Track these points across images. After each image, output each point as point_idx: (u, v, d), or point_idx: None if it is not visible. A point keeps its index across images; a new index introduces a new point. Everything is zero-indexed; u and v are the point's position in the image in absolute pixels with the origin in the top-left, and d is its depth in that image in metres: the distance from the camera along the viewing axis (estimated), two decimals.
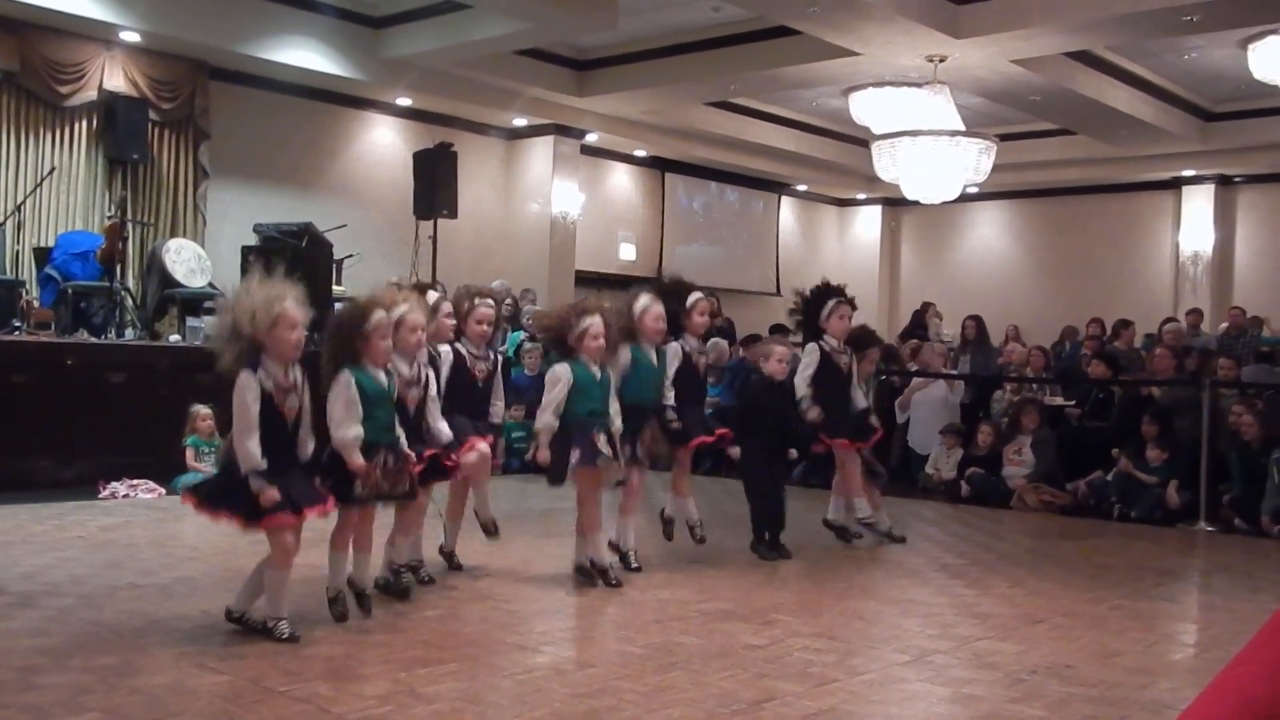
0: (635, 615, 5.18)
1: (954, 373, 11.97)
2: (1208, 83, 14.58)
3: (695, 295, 6.49)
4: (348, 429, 4.69)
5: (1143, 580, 6.54)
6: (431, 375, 5.42)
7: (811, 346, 7.04)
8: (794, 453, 6.92)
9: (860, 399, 7.25)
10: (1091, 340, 12.82)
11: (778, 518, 6.73)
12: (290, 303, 4.45)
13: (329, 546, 4.87)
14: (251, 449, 4.35)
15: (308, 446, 4.66)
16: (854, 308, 7.15)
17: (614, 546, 6.13)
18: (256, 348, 4.41)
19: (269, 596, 4.53)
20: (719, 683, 4.08)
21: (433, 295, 5.83)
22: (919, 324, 16.65)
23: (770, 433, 6.59)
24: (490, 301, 5.94)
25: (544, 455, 5.54)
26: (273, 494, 4.34)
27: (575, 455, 5.50)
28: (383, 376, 4.86)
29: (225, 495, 4.45)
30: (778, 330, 12.79)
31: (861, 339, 7.46)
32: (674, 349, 6.32)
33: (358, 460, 4.67)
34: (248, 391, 4.38)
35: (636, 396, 5.99)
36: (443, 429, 5.36)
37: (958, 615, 5.38)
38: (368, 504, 4.85)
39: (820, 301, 7.08)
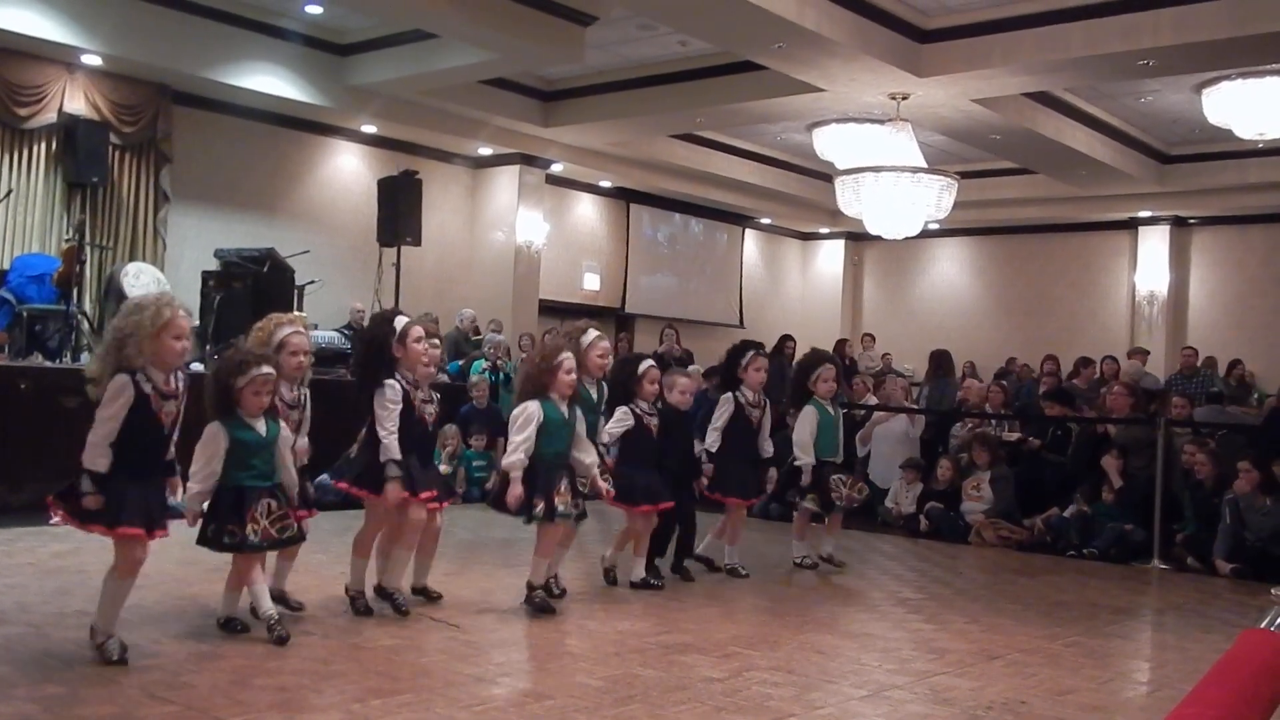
0: (594, 647, 5.16)
1: (914, 407, 12.04)
2: (1164, 126, 14.85)
3: (646, 363, 6.63)
4: (204, 483, 4.75)
5: (1097, 618, 6.58)
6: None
7: (727, 397, 7.17)
8: (704, 480, 7.02)
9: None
10: (1048, 377, 12.92)
11: (663, 541, 6.89)
12: (181, 312, 4.49)
13: (225, 586, 5.04)
14: (96, 453, 4.31)
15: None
16: (768, 359, 7.32)
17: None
18: (139, 354, 4.36)
19: (103, 607, 4.48)
20: (676, 715, 4.07)
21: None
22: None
23: (676, 461, 6.73)
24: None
25: (517, 493, 5.55)
26: (92, 500, 4.28)
27: (539, 505, 5.57)
28: (261, 425, 4.90)
29: (69, 497, 4.37)
30: None
31: (812, 358, 7.59)
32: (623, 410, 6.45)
33: (192, 514, 4.73)
34: (120, 394, 4.34)
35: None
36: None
37: (915, 650, 5.39)
38: (258, 550, 4.88)
39: (740, 354, 7.26)
